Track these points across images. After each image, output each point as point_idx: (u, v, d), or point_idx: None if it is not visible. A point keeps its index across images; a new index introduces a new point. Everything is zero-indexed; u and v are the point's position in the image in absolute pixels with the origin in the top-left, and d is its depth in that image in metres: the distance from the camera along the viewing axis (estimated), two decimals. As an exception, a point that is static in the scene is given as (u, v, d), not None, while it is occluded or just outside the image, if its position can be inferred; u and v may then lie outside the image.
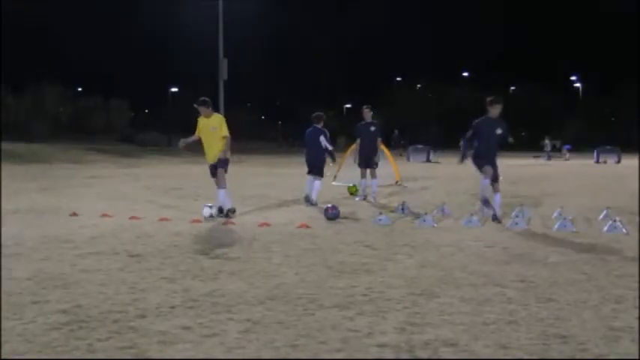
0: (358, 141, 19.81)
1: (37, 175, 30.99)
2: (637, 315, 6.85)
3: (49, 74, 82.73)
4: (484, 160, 14.70)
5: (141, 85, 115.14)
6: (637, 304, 7.32)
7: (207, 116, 15.56)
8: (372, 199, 19.19)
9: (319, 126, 19.01)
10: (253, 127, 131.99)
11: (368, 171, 19.56)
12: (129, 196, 20.09)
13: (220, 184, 15.47)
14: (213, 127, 15.44)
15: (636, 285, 8.28)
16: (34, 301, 7.34)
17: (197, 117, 15.68)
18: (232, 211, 15.49)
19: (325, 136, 18.77)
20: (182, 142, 16.24)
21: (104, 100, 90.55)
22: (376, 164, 19.67)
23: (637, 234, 12.65)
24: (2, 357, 5.66)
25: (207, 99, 15.68)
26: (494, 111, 14.72)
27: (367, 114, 19.85)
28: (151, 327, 6.43)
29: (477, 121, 14.93)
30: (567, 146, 74.38)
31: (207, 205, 15.06)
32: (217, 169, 15.48)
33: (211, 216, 14.73)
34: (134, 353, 5.70)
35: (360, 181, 19.76)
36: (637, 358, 5.52)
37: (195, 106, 15.64)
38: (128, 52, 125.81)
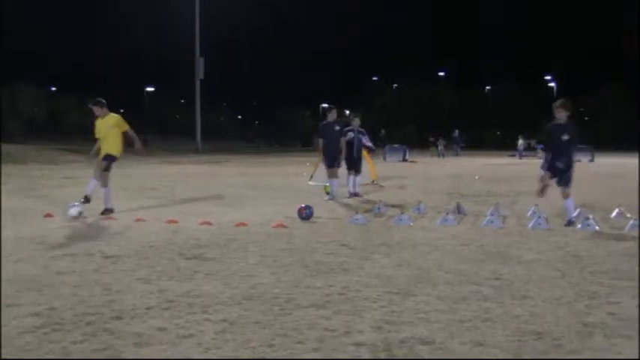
0: (321, 141, 19.82)
1: (11, 176, 30.80)
2: (610, 311, 6.92)
3: (23, 74, 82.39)
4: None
5: (117, 84, 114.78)
6: (610, 300, 7.39)
7: (103, 116, 15.55)
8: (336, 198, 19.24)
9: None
10: (229, 127, 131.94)
11: (336, 170, 19.63)
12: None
13: (102, 183, 15.51)
14: (110, 127, 15.45)
15: (608, 281, 8.36)
16: (7, 304, 7.24)
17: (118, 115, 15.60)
18: (110, 211, 15.51)
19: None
20: (92, 152, 16.13)
21: (79, 100, 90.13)
22: (339, 164, 19.74)
23: (610, 231, 12.78)
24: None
25: (101, 99, 15.66)
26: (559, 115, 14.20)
27: (332, 114, 19.88)
28: (126, 328, 6.40)
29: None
30: (541, 145, 74.61)
31: (74, 205, 14.66)
32: (102, 162, 15.41)
33: (80, 213, 14.44)
34: (109, 355, 5.68)
35: (330, 181, 19.75)
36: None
37: (89, 106, 15.62)
38: (104, 51, 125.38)
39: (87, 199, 15.36)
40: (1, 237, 11.73)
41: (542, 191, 14.57)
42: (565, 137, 14.00)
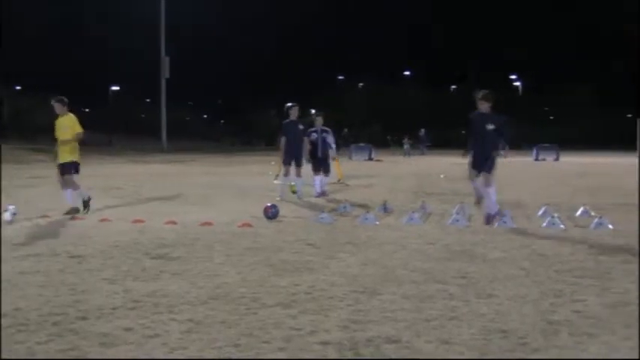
0: (284, 139, 19.81)
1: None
2: (575, 309, 6.96)
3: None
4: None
5: (81, 83, 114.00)
6: (575, 298, 7.43)
7: (62, 115, 15.48)
8: (289, 197, 19.25)
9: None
10: (195, 126, 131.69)
11: (294, 169, 19.65)
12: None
13: (71, 187, 15.40)
14: (66, 127, 15.38)
15: (573, 279, 8.41)
16: (-29, 304, 7.20)
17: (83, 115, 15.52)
18: (76, 210, 15.44)
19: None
20: (54, 153, 16.04)
21: (44, 100, 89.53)
22: (300, 163, 19.76)
23: (575, 230, 12.87)
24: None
25: (64, 98, 15.58)
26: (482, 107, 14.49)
27: (294, 113, 19.89)
28: (92, 329, 6.35)
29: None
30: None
31: (8, 210, 14.46)
32: (64, 175, 15.32)
33: (14, 214, 14.27)
34: (75, 355, 5.63)
35: (283, 178, 19.78)
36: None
37: (52, 102, 15.55)
38: (68, 50, 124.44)
39: (76, 210, 15.26)
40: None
41: (479, 202, 14.82)
42: (490, 127, 14.27)
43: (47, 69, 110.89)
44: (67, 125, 15.40)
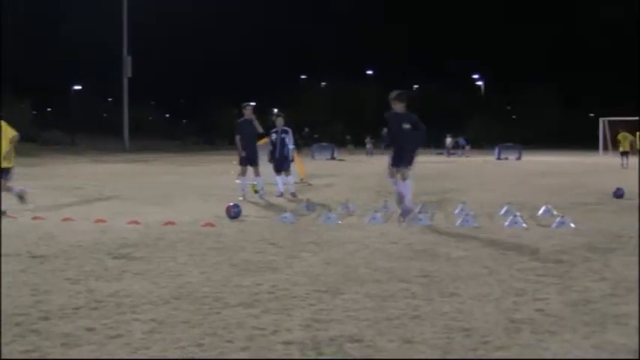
0: (239, 138, 19.80)
1: None
2: (537, 307, 6.99)
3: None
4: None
5: (43, 83, 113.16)
6: (537, 296, 7.47)
7: None
8: (250, 197, 19.25)
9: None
10: (157, 125, 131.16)
11: (252, 168, 19.67)
12: (31, 196, 19.71)
13: (8, 190, 15.34)
14: None
15: (535, 278, 8.45)
16: None
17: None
18: (22, 197, 15.69)
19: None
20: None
21: (5, 98, 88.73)
22: (256, 162, 19.79)
23: (537, 229, 12.96)
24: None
25: None
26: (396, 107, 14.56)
27: (248, 112, 19.91)
28: (54, 329, 6.29)
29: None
30: (463, 141, 75.81)
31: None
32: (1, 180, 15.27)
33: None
34: (38, 356, 5.58)
35: (241, 178, 19.80)
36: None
37: None
38: (30, 50, 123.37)
39: (22, 197, 15.24)
40: None
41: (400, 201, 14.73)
42: (406, 126, 14.33)
43: (8, 68, 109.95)
44: None
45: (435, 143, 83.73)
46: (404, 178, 14.20)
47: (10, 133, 15.20)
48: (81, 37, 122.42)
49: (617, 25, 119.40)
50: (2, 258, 9.88)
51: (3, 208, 14.54)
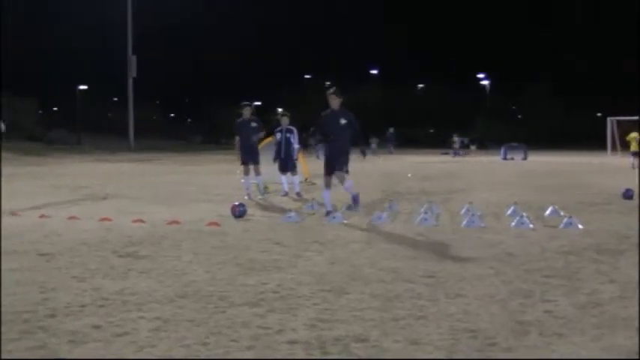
0: (238, 138, 19.81)
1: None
2: (545, 309, 6.94)
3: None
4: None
5: (49, 83, 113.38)
6: (545, 298, 7.42)
7: None
8: (254, 196, 19.22)
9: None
10: (162, 125, 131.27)
11: (252, 167, 19.66)
12: (37, 195, 19.72)
13: None
14: None
15: (543, 279, 8.40)
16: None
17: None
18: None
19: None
20: None
21: (9, 100, 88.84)
22: (256, 162, 19.78)
23: (544, 229, 12.90)
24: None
25: None
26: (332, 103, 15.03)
27: (247, 112, 19.89)
28: (61, 326, 6.30)
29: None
30: (468, 141, 75.95)
31: None
32: None
33: None
34: (44, 354, 5.57)
35: (245, 177, 19.80)
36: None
37: None
38: (34, 49, 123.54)
39: None
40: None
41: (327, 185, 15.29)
42: (343, 121, 14.83)
43: (15, 68, 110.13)
44: None
45: (441, 143, 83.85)
46: (342, 181, 14.88)
47: None
48: (86, 37, 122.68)
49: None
50: (9, 256, 9.90)
51: (12, 207, 14.48)
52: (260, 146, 21.18)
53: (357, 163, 44.41)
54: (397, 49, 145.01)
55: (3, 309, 6.85)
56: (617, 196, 18.93)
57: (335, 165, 14.74)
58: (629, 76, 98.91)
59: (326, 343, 5.80)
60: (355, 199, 14.88)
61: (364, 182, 25.69)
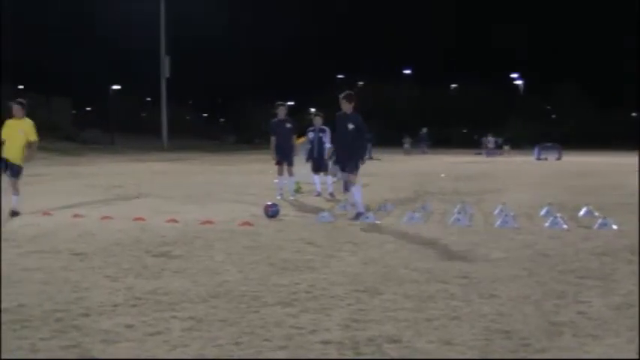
0: (274, 139, 19.81)
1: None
2: (579, 310, 6.91)
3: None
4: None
5: (83, 83, 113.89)
6: (579, 299, 7.38)
7: (19, 118, 15.21)
8: (286, 197, 19.22)
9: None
10: (195, 125, 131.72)
11: (286, 168, 19.65)
12: (71, 195, 19.83)
13: (14, 192, 15.12)
14: (21, 130, 15.08)
15: (577, 280, 8.36)
16: (-28, 301, 7.16)
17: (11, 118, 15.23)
18: (16, 213, 14.95)
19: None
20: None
21: (46, 99, 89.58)
22: (291, 162, 19.76)
23: (578, 230, 12.83)
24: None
25: (23, 101, 15.42)
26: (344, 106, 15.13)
27: (282, 111, 19.89)
28: (94, 325, 6.35)
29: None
30: (496, 140, 75.47)
31: None
32: (11, 177, 15.11)
33: None
34: (78, 352, 5.63)
35: (279, 177, 19.79)
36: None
37: (11, 104, 15.37)
38: (69, 50, 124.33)
39: (15, 213, 14.96)
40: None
41: (346, 188, 15.49)
42: (350, 126, 14.88)
43: (50, 69, 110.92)
44: (24, 129, 15.10)
45: (474, 143, 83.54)
46: (352, 184, 14.79)
47: (32, 135, 15.18)
48: (120, 38, 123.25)
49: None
50: (42, 255, 10.01)
51: (45, 207, 14.51)
52: None
53: (389, 164, 44.41)
54: (430, 49, 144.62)
55: (34, 308, 6.91)
56: (652, 197, 18.76)
57: (345, 167, 14.94)
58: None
59: (359, 343, 5.81)
60: (358, 216, 14.54)
61: (397, 182, 25.69)
